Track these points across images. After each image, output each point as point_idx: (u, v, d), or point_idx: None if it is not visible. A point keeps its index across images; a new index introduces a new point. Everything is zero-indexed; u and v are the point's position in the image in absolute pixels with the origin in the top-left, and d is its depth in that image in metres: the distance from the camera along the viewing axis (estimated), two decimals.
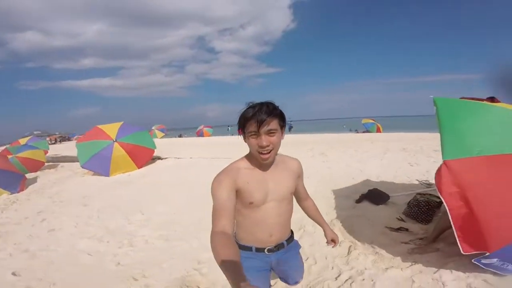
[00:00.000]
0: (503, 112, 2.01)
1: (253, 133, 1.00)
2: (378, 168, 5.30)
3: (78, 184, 6.27)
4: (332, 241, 1.33)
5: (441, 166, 1.77)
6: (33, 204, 4.86)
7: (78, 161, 7.04)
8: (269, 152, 1.02)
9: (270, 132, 1.00)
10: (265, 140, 0.99)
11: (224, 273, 0.73)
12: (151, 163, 7.69)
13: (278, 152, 1.13)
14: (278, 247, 1.18)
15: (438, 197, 2.98)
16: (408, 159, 5.95)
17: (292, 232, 1.29)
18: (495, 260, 1.67)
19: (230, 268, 0.73)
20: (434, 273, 1.92)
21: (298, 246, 1.35)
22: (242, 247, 1.16)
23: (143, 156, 7.29)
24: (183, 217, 3.58)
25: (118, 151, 6.77)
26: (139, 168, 7.01)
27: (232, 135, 23.78)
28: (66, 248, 2.95)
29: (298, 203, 1.36)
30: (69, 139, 31.18)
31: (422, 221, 2.81)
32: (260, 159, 1.05)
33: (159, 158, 8.30)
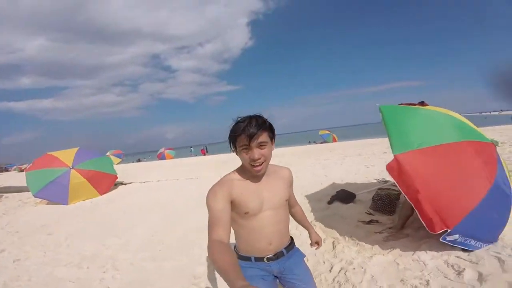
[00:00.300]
0: (430, 113, 2.58)
1: (244, 147, 1.03)
2: (341, 172, 5.86)
3: (33, 213, 5.62)
4: (316, 243, 1.41)
5: (392, 160, 2.18)
6: None
7: (26, 191, 6.41)
8: (261, 164, 1.05)
9: (261, 145, 1.03)
10: (256, 153, 1.02)
11: (223, 278, 0.74)
12: (114, 189, 7.18)
13: (271, 164, 1.17)
14: (278, 255, 1.17)
15: (395, 190, 3.51)
16: (364, 162, 6.70)
17: (292, 239, 1.28)
18: (457, 236, 2.05)
19: (228, 271, 0.74)
20: (412, 254, 2.20)
21: (301, 254, 1.31)
22: (242, 258, 1.17)
23: (105, 182, 6.81)
24: (164, 237, 3.48)
25: (76, 178, 6.25)
26: (101, 194, 6.52)
27: (196, 155, 23.22)
28: (42, 277, 2.69)
29: (289, 211, 1.37)
30: (6, 170, 26.60)
31: (387, 212, 3.25)
32: (253, 171, 1.07)
33: (121, 183, 7.80)
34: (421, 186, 2.06)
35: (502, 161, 2.40)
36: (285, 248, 1.20)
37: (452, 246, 2.09)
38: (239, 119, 1.07)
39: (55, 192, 5.98)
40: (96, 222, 4.57)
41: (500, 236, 2.19)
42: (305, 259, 1.31)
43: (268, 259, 1.15)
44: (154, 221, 4.19)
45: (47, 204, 6.13)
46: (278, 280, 1.23)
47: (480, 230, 2.10)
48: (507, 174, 2.33)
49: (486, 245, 2.10)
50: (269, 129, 1.07)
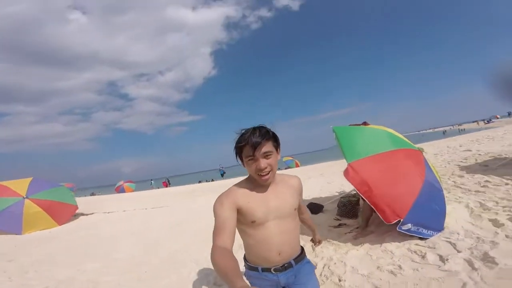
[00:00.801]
0: (371, 129, 3.36)
1: (250, 157, 1.05)
2: (307, 190, 6.44)
3: None
4: (318, 242, 1.60)
5: (347, 167, 2.77)
6: None
7: None
8: (268, 174, 1.07)
9: (266, 155, 1.05)
10: (262, 163, 1.04)
11: (224, 280, 0.76)
12: (74, 219, 6.62)
13: (278, 172, 1.19)
14: (286, 266, 1.15)
15: (355, 197, 4.11)
16: (326, 180, 7.49)
17: (302, 249, 1.25)
18: (410, 225, 2.57)
19: (229, 273, 0.76)
20: (380, 246, 2.59)
21: (311, 266, 1.28)
22: (250, 268, 1.17)
23: (64, 213, 6.35)
24: (149, 258, 3.46)
25: (31, 208, 5.75)
26: (60, 225, 6.02)
27: (158, 187, 21.97)
28: None
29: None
30: None
31: (351, 216, 3.79)
32: (260, 181, 1.09)
33: (82, 214, 7.22)
34: (372, 185, 2.64)
35: (430, 164, 3.15)
36: (294, 260, 1.17)
37: (410, 235, 2.61)
38: (242, 131, 1.10)
39: (6, 222, 5.47)
40: (63, 249, 4.25)
41: (445, 225, 2.83)
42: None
43: (276, 269, 1.13)
44: (131, 246, 4.08)
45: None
46: None
47: (426, 219, 2.69)
48: (435, 174, 3.08)
49: (436, 233, 2.67)
50: (273, 138, 1.10)
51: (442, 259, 2.22)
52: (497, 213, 2.94)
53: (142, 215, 6.77)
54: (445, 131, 53.17)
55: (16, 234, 5.37)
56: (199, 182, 21.42)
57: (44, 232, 5.56)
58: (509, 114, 24.80)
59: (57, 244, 4.64)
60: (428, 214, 2.73)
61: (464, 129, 40.67)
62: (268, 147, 1.05)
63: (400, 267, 2.25)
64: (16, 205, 5.66)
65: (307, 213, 1.51)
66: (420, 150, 3.18)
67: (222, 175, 22.09)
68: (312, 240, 1.62)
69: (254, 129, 1.07)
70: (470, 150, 8.31)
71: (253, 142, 1.03)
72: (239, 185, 1.15)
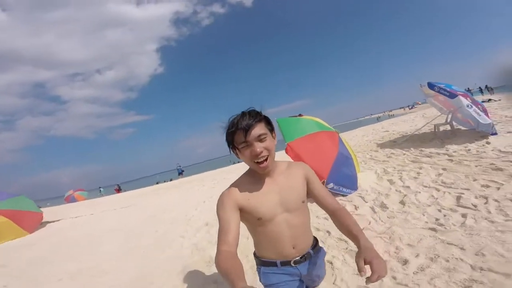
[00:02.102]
0: (303, 119, 4.63)
1: (243, 144, 0.97)
2: None
3: None
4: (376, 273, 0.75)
5: (286, 146, 3.95)
6: None
7: None
8: (265, 160, 0.98)
9: (260, 138, 0.97)
10: (257, 147, 0.96)
11: (225, 280, 0.76)
12: (42, 227, 6.64)
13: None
14: (305, 257, 1.10)
15: None
16: None
17: (316, 239, 1.21)
18: (332, 184, 3.84)
19: (230, 273, 0.76)
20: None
21: (324, 252, 1.23)
22: (266, 263, 1.10)
23: (31, 221, 6.37)
24: (137, 243, 4.15)
25: None
26: (30, 233, 6.04)
27: (108, 195, 20.98)
28: None
29: (332, 219, 1.08)
30: None
31: None
32: (259, 170, 1.00)
33: (47, 222, 7.19)
34: (302, 156, 3.84)
35: (344, 141, 4.53)
36: (312, 249, 1.13)
37: (336, 193, 3.87)
38: (231, 118, 1.01)
39: None
40: (50, 251, 4.56)
41: (358, 185, 4.17)
42: None
43: (296, 262, 1.08)
44: (117, 238, 4.66)
45: None
46: (304, 283, 1.14)
47: (344, 181, 4.01)
48: (348, 148, 4.46)
49: (353, 191, 4.02)
50: (265, 120, 1.02)
51: (355, 207, 3.50)
52: (393, 175, 4.46)
53: (112, 215, 7.12)
54: (379, 117, 60.74)
55: None
56: (157, 183, 21.10)
57: (17, 241, 5.57)
58: (480, 90, 25.07)
59: (41, 247, 4.88)
60: (344, 177, 4.07)
61: (393, 114, 47.32)
62: (260, 128, 0.98)
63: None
64: None
65: (343, 208, 1.07)
66: (337, 132, 4.53)
67: (180, 173, 22.07)
68: (361, 268, 0.78)
69: (243, 113, 0.99)
70: (387, 131, 10.55)
71: (244, 125, 0.95)
72: (239, 181, 1.08)
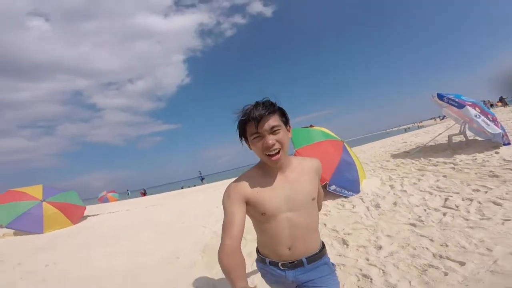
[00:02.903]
0: (312, 130, 5.08)
1: (255, 135, 0.93)
2: None
3: (21, 240, 5.76)
4: None
5: (294, 152, 4.43)
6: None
7: None
8: (278, 152, 0.94)
9: (273, 130, 0.92)
10: (269, 139, 0.92)
11: (227, 279, 0.75)
12: (83, 220, 7.67)
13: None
14: (296, 264, 1.01)
15: None
16: None
17: (322, 247, 1.08)
18: (334, 186, 4.29)
19: (231, 272, 0.75)
20: (324, 202, 4.33)
21: (330, 268, 1.09)
22: (259, 259, 1.10)
23: (76, 213, 7.40)
24: (174, 227, 4.83)
25: (49, 210, 6.74)
26: (74, 223, 7.05)
27: (134, 198, 22.48)
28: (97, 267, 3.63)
29: None
30: None
31: None
32: (270, 163, 0.96)
33: (88, 215, 8.25)
34: None
35: (348, 149, 4.92)
36: (306, 258, 1.02)
37: (338, 195, 4.31)
38: (244, 108, 0.96)
39: (28, 223, 6.35)
40: (97, 237, 5.47)
41: (361, 189, 4.54)
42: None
43: (283, 265, 1.02)
44: (153, 227, 5.45)
45: (16, 235, 6.34)
46: None
47: (346, 184, 4.41)
48: (351, 155, 4.84)
49: (354, 194, 4.41)
50: (280, 111, 0.97)
51: (353, 206, 3.93)
52: (395, 181, 4.76)
53: (145, 211, 8.01)
54: (408, 128, 58.16)
55: (38, 234, 6.27)
56: (182, 187, 22.30)
57: (63, 230, 6.56)
58: (500, 99, 24.06)
59: (85, 235, 5.78)
60: (346, 181, 4.46)
61: (422, 125, 45.28)
62: (274, 120, 0.93)
63: (330, 211, 3.92)
64: (36, 207, 6.62)
65: (320, 199, 1.24)
66: (342, 141, 4.94)
67: (202, 180, 23.08)
68: None
69: (256, 103, 0.94)
70: (405, 142, 10.50)
71: (256, 115, 0.90)
72: (248, 173, 1.04)
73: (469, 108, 5.63)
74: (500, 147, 5.31)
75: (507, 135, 5.86)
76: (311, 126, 5.27)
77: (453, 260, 2.10)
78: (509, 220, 2.50)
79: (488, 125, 5.43)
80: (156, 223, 5.89)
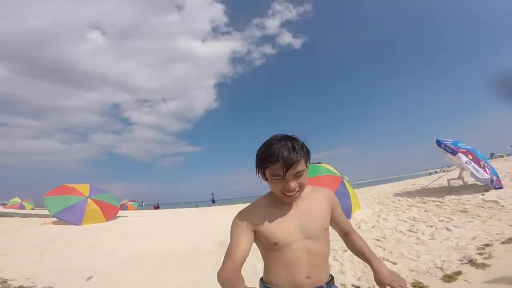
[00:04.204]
0: (317, 166, 6.02)
1: (278, 177, 0.88)
2: None
3: (67, 228, 6.96)
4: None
5: None
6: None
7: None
8: (296, 194, 0.91)
9: (298, 175, 0.88)
10: (293, 184, 0.88)
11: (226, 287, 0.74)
12: (114, 218, 8.96)
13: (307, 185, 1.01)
14: None
15: None
16: None
17: (332, 276, 1.05)
18: None
19: (231, 280, 0.75)
20: None
21: None
22: None
23: (112, 212, 8.78)
24: (192, 230, 5.88)
25: (91, 205, 8.11)
26: (107, 221, 8.33)
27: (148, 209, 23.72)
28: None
29: (343, 240, 1.15)
30: None
31: None
32: (286, 200, 0.94)
33: (118, 216, 9.54)
34: None
35: (346, 183, 5.77)
36: (326, 284, 0.99)
37: None
38: (272, 139, 0.92)
39: (72, 215, 7.70)
40: (132, 230, 6.71)
41: (352, 216, 5.31)
42: None
43: None
44: (178, 228, 6.49)
45: (56, 224, 7.65)
46: None
47: None
48: (348, 188, 5.69)
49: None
50: (307, 154, 0.93)
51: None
52: (383, 212, 5.49)
53: (164, 218, 9.18)
54: (435, 171, 55.60)
55: (76, 225, 7.49)
56: (196, 206, 23.34)
57: (97, 225, 7.75)
58: None
59: (119, 231, 6.97)
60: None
61: (448, 170, 43.08)
62: (301, 165, 0.88)
63: None
64: (82, 202, 8.00)
65: (355, 233, 1.14)
66: (341, 177, 5.82)
67: (213, 202, 23.87)
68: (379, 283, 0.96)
69: (286, 141, 0.88)
70: (414, 184, 10.87)
71: (286, 160, 0.84)
72: (258, 202, 1.01)
73: (461, 155, 6.30)
74: (490, 190, 5.84)
75: (499, 180, 6.35)
76: (318, 163, 6.20)
77: (389, 261, 2.92)
78: (448, 240, 3.25)
79: (478, 171, 6.04)
80: (179, 226, 6.98)
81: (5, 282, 3.04)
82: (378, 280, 0.95)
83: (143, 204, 30.61)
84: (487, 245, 3.02)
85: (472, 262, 2.63)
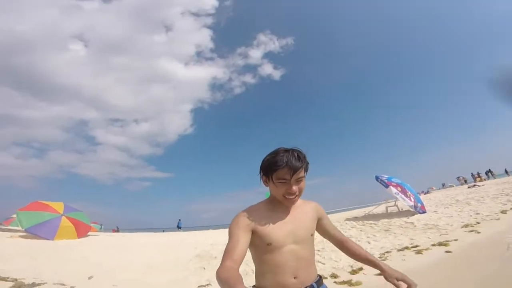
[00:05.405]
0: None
1: (283, 180, 1.03)
2: None
3: (40, 242, 7.04)
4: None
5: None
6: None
7: None
8: (295, 197, 1.06)
9: (299, 180, 1.04)
10: (294, 187, 1.03)
11: (225, 287, 0.78)
12: (84, 236, 9.16)
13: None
14: None
15: None
16: None
17: (320, 276, 1.15)
18: None
19: (230, 280, 0.78)
20: None
21: None
22: None
23: (84, 230, 9.06)
24: (166, 250, 6.58)
25: (65, 222, 8.42)
26: (79, 238, 8.59)
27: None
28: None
29: (340, 249, 1.23)
30: None
31: None
32: (286, 203, 1.08)
33: (88, 235, 9.71)
34: None
35: None
36: (315, 282, 1.10)
37: None
38: (279, 150, 1.08)
39: (45, 230, 7.91)
40: (104, 246, 7.05)
41: None
42: None
43: None
44: (148, 250, 7.10)
45: (26, 238, 7.73)
46: None
47: None
48: None
49: None
50: (307, 164, 1.09)
51: None
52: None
53: (134, 237, 9.58)
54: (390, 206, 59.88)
55: (48, 240, 7.66)
56: (163, 231, 22.97)
57: (69, 241, 7.96)
58: (506, 171, 23.90)
59: (92, 246, 7.37)
60: None
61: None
62: (302, 172, 1.05)
63: None
64: (56, 219, 8.24)
65: (350, 241, 1.24)
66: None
67: (179, 228, 23.51)
68: (399, 285, 1.02)
69: (292, 151, 1.06)
70: (365, 212, 12.58)
71: (293, 166, 1.01)
72: (257, 206, 1.13)
73: (392, 188, 8.00)
74: (416, 215, 7.45)
75: (423, 206, 8.07)
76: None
77: (320, 262, 4.13)
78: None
79: (405, 200, 7.73)
80: (156, 243, 7.58)
81: (16, 280, 3.63)
82: (389, 275, 1.03)
83: (102, 226, 28.96)
84: (387, 252, 4.39)
85: None
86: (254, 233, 1.03)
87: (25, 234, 7.95)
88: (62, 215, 8.52)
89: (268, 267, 1.04)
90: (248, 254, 1.04)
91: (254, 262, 1.10)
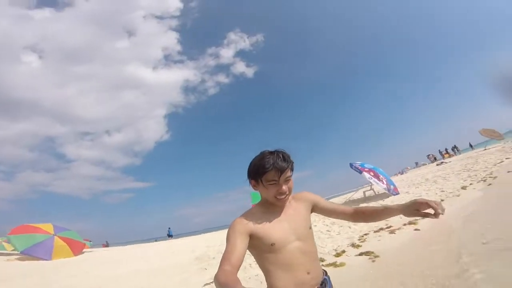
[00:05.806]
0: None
1: (273, 182, 1.07)
2: None
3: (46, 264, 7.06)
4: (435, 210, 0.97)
5: (252, 206, 7.15)
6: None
7: None
8: (286, 197, 1.10)
9: (287, 179, 1.09)
10: (284, 187, 1.07)
11: None
12: (81, 253, 9.24)
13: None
14: (324, 284, 1.11)
15: None
16: None
17: (325, 271, 1.19)
18: None
19: (228, 281, 0.79)
20: None
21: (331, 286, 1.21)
22: None
23: (78, 247, 9.17)
24: (164, 260, 6.88)
25: (58, 242, 8.52)
26: (75, 255, 8.68)
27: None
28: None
29: (355, 220, 1.23)
30: None
31: None
32: (278, 203, 1.11)
33: (85, 251, 9.79)
34: None
35: None
36: (327, 275, 1.16)
37: None
38: (264, 153, 1.12)
39: (40, 251, 8.00)
40: (101, 263, 7.23)
41: None
42: None
43: None
44: (147, 258, 7.37)
45: (23, 260, 7.75)
46: None
47: None
48: None
49: None
50: (292, 163, 1.13)
51: None
52: (315, 221, 7.41)
53: (126, 251, 9.79)
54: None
55: (46, 260, 7.76)
56: (155, 240, 22.89)
57: (66, 259, 8.10)
58: (471, 145, 24.56)
59: (89, 262, 7.51)
60: None
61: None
62: (289, 171, 1.09)
63: None
64: (49, 240, 8.31)
65: (361, 207, 1.25)
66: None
67: (169, 236, 23.51)
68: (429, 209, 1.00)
69: (278, 153, 1.10)
70: (346, 198, 13.49)
71: (280, 167, 1.05)
72: (252, 210, 1.16)
73: (365, 173, 8.78)
74: (390, 197, 8.27)
75: (396, 188, 8.91)
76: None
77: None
78: (346, 234, 5.20)
79: (377, 183, 8.53)
80: (154, 252, 7.87)
81: None
82: (408, 214, 1.03)
83: (91, 242, 28.19)
84: (366, 234, 5.02)
85: (353, 245, 4.51)
86: (253, 236, 1.04)
87: (21, 256, 7.97)
88: (54, 235, 8.58)
89: (279, 267, 1.04)
90: (249, 258, 1.22)
91: (260, 267, 1.11)
